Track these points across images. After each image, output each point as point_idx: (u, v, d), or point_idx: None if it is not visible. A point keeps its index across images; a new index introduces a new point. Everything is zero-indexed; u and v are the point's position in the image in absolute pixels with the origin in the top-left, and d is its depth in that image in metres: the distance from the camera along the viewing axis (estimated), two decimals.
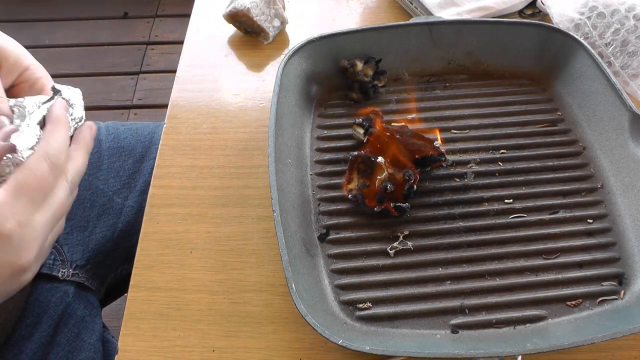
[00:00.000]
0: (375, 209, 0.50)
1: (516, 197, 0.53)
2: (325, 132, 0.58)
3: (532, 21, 0.63)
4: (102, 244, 0.65)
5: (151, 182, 0.56)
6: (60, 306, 0.59)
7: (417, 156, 0.53)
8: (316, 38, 0.59)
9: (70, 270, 0.61)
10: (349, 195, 0.51)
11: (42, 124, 0.39)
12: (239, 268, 0.50)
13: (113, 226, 0.66)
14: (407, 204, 0.50)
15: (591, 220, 0.51)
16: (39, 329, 0.57)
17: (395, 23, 0.61)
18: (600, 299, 0.46)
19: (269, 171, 0.48)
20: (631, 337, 0.46)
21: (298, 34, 0.71)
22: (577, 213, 0.51)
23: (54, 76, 0.44)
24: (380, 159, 0.52)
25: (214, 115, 0.62)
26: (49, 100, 0.40)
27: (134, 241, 0.53)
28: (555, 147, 0.56)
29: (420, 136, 0.54)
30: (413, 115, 0.59)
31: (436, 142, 0.54)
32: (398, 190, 0.51)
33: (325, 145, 0.57)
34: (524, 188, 0.53)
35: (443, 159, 0.54)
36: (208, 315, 0.48)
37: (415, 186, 0.51)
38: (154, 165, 0.58)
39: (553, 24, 0.63)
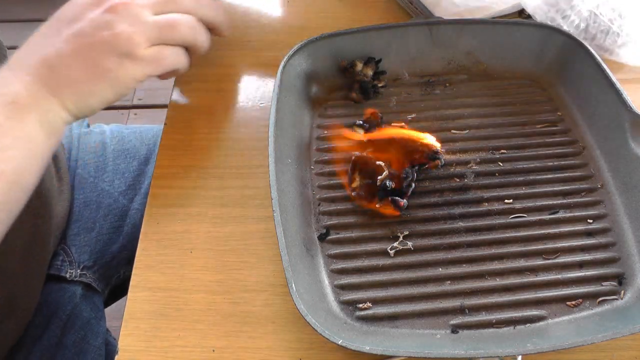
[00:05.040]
0: (375, 205, 0.50)
1: (516, 197, 0.53)
2: (325, 132, 0.58)
3: (532, 21, 0.63)
4: (108, 246, 0.65)
5: (151, 182, 0.56)
6: (68, 307, 0.59)
7: (415, 156, 0.53)
8: (316, 38, 0.59)
9: (78, 270, 0.62)
10: (353, 193, 0.51)
11: None
12: (239, 268, 0.50)
13: (119, 228, 0.66)
14: (404, 200, 0.50)
15: (591, 220, 0.51)
16: (48, 330, 0.57)
17: (395, 23, 0.61)
18: (600, 299, 0.46)
19: (269, 171, 0.48)
20: (631, 337, 0.46)
21: (298, 34, 0.71)
22: (577, 213, 0.51)
23: None
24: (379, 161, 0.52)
25: (213, 115, 0.62)
26: None
27: None
28: (555, 147, 0.56)
29: (418, 137, 0.54)
30: (413, 115, 0.59)
31: (435, 143, 0.54)
32: (397, 187, 0.51)
33: (326, 145, 0.57)
34: (524, 188, 0.53)
35: (440, 157, 0.53)
36: (208, 315, 0.48)
37: (413, 184, 0.51)
38: None
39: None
